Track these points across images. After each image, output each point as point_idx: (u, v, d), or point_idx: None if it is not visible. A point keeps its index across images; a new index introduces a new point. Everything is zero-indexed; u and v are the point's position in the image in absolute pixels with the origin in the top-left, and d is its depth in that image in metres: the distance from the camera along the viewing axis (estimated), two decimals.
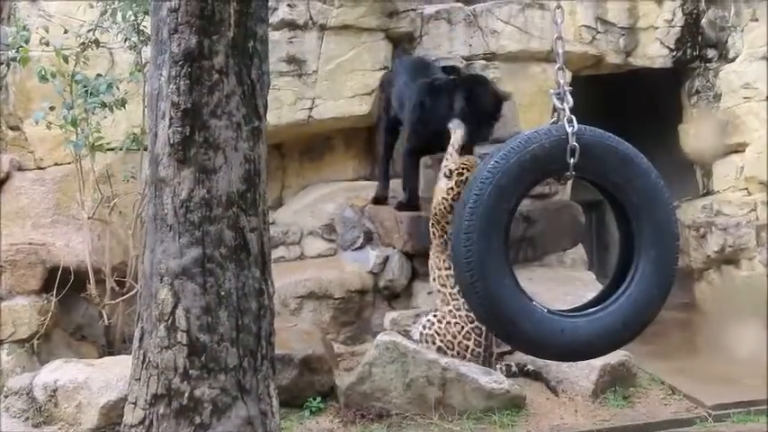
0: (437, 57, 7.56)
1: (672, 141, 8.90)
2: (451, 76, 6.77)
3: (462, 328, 5.75)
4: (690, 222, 8.39)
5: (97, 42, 6.47)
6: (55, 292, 6.49)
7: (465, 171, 5.96)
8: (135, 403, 3.77)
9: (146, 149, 5.07)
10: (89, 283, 6.42)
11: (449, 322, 5.79)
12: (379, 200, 7.07)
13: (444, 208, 5.95)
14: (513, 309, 3.37)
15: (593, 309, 3.55)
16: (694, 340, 7.78)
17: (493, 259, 3.34)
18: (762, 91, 7.81)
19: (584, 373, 5.75)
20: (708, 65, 8.49)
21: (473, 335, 5.73)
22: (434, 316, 5.89)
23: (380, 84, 7.46)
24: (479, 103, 6.36)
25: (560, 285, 6.48)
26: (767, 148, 7.70)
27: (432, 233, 6.08)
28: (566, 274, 6.95)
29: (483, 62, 7.70)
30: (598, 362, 5.65)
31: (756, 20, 7.87)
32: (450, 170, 6.03)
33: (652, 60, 8.46)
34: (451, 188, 5.97)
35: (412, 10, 7.71)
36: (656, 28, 8.42)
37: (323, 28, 7.46)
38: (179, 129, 3.63)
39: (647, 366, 6.21)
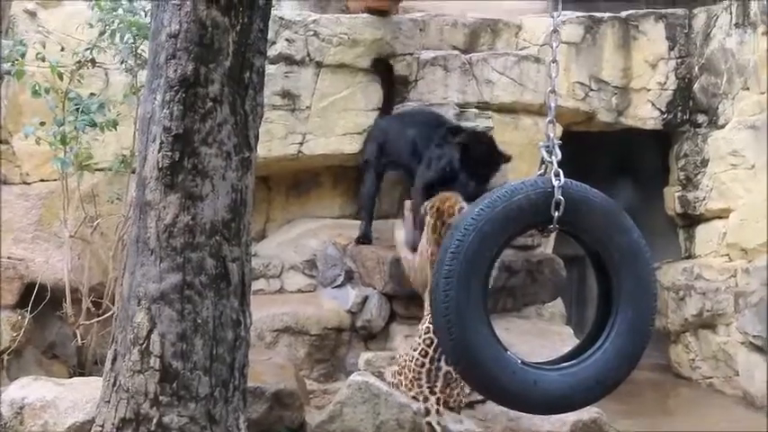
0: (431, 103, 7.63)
1: (657, 203, 8.96)
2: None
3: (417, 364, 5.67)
4: (669, 284, 8.41)
5: (93, 62, 6.49)
6: (30, 308, 6.44)
7: (437, 202, 5.98)
8: (102, 426, 3.75)
9: (133, 172, 5.07)
10: (65, 301, 6.37)
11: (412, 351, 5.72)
12: (363, 240, 7.07)
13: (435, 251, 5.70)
14: (486, 357, 3.37)
15: (567, 363, 3.56)
16: (667, 402, 7.79)
17: (471, 306, 3.35)
18: (748, 159, 7.89)
19: (555, 427, 5.71)
20: (697, 130, 8.58)
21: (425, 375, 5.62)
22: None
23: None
24: (480, 161, 6.44)
25: (537, 338, 6.47)
26: None
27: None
28: (543, 327, 6.94)
29: (475, 111, 7.73)
30: (570, 417, 5.61)
31: (748, 89, 7.96)
32: (425, 208, 6.07)
33: (643, 121, 8.55)
34: (429, 223, 5.98)
35: (409, 54, 7.78)
36: (649, 90, 8.52)
37: (319, 65, 7.52)
38: (168, 153, 3.65)
39: (618, 425, 6.18)
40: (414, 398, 5.55)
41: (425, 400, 5.51)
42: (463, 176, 6.41)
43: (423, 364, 5.60)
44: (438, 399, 5.52)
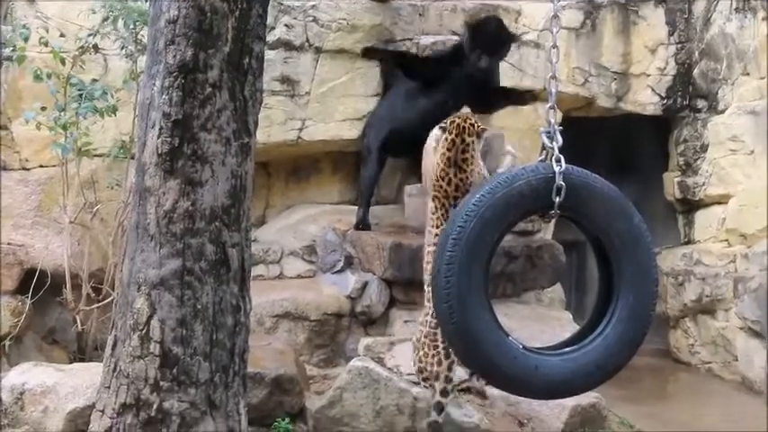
0: None
1: (656, 188, 8.96)
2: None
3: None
4: (669, 270, 8.42)
5: (96, 47, 6.48)
6: (30, 294, 6.44)
7: (457, 119, 5.56)
8: (103, 411, 3.75)
9: (133, 158, 5.06)
10: (65, 287, 6.38)
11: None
12: (362, 226, 7.07)
13: (444, 167, 5.45)
14: (488, 343, 3.37)
15: (569, 348, 3.56)
16: (666, 387, 7.81)
17: (472, 292, 3.34)
18: (747, 144, 7.89)
19: (554, 412, 5.73)
20: (697, 115, 8.57)
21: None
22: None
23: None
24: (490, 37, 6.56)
25: (537, 323, 6.48)
26: None
27: (432, 205, 5.57)
28: (543, 313, 6.95)
29: None
30: (569, 402, 5.63)
31: (747, 74, 7.95)
32: (443, 125, 5.61)
33: (642, 107, 8.53)
34: (446, 138, 5.52)
35: (408, 39, 7.75)
36: (649, 75, 8.51)
37: (318, 50, 7.50)
38: (168, 139, 3.64)
39: (617, 410, 6.20)
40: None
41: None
42: (475, 54, 6.40)
43: None
44: None
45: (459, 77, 6.83)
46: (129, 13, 6.21)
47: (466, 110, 5.97)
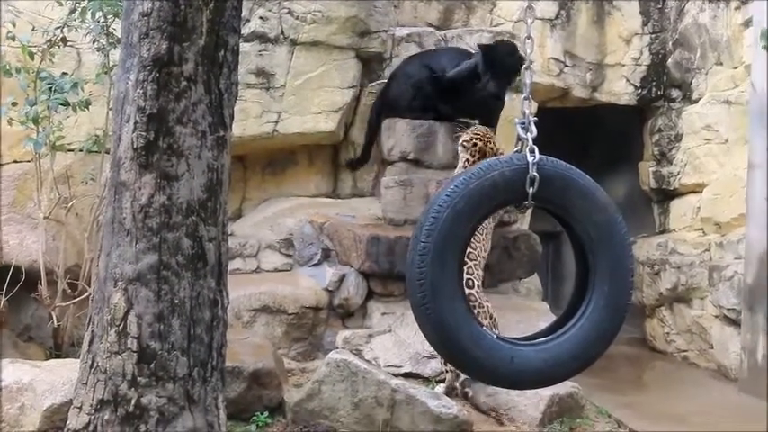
0: None
1: (632, 178, 9.01)
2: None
3: None
4: (644, 259, 8.48)
5: (64, 40, 6.41)
6: (4, 290, 6.39)
7: (478, 141, 6.17)
8: (80, 408, 3.72)
9: (107, 152, 5.03)
10: (40, 283, 6.33)
11: None
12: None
13: None
14: (463, 333, 3.37)
15: (544, 338, 3.57)
16: (643, 375, 7.86)
17: (446, 282, 3.34)
18: (721, 133, 7.94)
19: (532, 402, 5.76)
20: (671, 105, 8.63)
21: None
22: None
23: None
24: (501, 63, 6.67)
25: (513, 313, 6.51)
26: None
27: None
28: (519, 303, 6.99)
29: None
30: (547, 392, 5.67)
31: (721, 64, 8.00)
32: (465, 141, 6.24)
33: (617, 97, 8.59)
34: (467, 160, 6.14)
35: (383, 31, 7.75)
36: (623, 65, 8.56)
37: (294, 43, 7.48)
38: (143, 133, 3.62)
39: (594, 399, 6.24)
40: None
41: None
42: (486, 78, 6.61)
43: None
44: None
45: (470, 97, 6.91)
46: (98, 4, 6.13)
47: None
